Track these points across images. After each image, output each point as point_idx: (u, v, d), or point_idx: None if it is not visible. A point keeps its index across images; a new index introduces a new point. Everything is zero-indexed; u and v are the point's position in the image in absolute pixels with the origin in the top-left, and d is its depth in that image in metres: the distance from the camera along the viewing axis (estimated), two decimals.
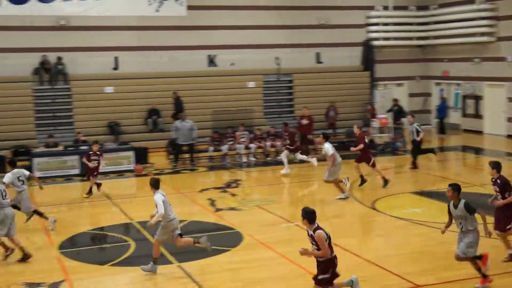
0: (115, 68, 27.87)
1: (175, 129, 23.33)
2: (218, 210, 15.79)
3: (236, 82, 28.76)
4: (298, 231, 13.52)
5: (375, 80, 30.87)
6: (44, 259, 12.04)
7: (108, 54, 27.58)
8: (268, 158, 23.81)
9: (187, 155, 23.41)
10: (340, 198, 16.41)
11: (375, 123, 26.60)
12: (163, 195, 10.97)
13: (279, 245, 12.39)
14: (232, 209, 15.88)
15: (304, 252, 8.54)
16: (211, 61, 29.24)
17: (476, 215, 9.57)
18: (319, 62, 30.82)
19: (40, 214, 14.37)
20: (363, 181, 17.75)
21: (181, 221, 14.45)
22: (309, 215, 8.52)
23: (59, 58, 26.63)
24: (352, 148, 18.05)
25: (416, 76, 32.66)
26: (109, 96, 27.02)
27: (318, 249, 8.45)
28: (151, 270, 10.90)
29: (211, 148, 23.45)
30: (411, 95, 32.59)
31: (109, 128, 25.85)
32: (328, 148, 16.33)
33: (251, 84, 29.07)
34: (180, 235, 11.18)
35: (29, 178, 14.40)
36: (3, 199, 11.86)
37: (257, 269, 11.17)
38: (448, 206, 9.83)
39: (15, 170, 14.05)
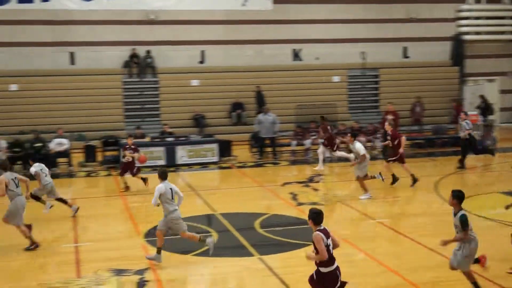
0: (201, 62, 28.33)
1: (257, 122, 23.49)
2: (300, 204, 15.76)
3: (321, 77, 28.63)
4: (381, 228, 13.34)
5: (465, 75, 29.99)
6: (130, 246, 12.39)
7: (195, 48, 28.08)
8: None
9: (269, 149, 23.51)
10: (364, 198, 16.08)
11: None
12: (165, 187, 10.94)
13: (361, 242, 12.23)
14: (314, 203, 15.79)
15: (308, 255, 8.10)
16: (296, 55, 29.23)
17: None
18: (406, 56, 30.24)
19: (38, 199, 14.67)
20: (395, 180, 17.32)
21: (262, 214, 14.63)
22: (314, 215, 8.10)
23: (148, 52, 27.37)
24: (401, 150, 17.26)
25: (508, 72, 31.40)
26: (195, 89, 27.51)
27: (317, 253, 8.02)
28: (209, 245, 11.24)
29: (294, 142, 23.44)
30: (503, 91, 31.35)
31: (194, 121, 26.34)
32: (360, 147, 16.05)
33: (336, 78, 28.87)
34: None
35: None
36: (17, 187, 12.34)
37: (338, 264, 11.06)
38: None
39: (36, 164, 14.58)
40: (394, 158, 17.37)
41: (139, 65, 27.34)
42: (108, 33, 27.27)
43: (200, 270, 11.11)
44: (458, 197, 9.09)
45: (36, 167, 14.52)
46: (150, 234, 13.26)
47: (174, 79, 27.49)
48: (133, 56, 27.26)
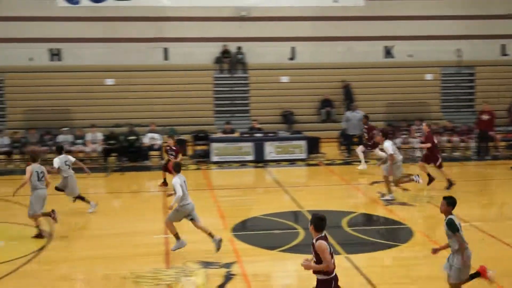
0: (291, 58, 28.35)
1: (345, 119, 23.29)
2: (388, 204, 15.49)
3: (413, 74, 28.03)
4: (472, 231, 12.90)
5: None
6: None
7: (285, 44, 28.12)
8: (444, 154, 22.89)
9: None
10: (385, 200, 15.61)
11: None
12: (181, 180, 11.14)
13: None
14: (403, 204, 15.51)
15: (306, 265, 7.66)
16: (388, 52, 28.73)
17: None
18: (504, 54, 29.12)
19: (82, 199, 14.70)
20: (431, 179, 16.77)
21: (350, 213, 14.48)
22: (316, 221, 7.71)
23: (239, 48, 27.67)
24: (419, 145, 16.91)
25: None
26: (285, 85, 27.55)
27: (318, 262, 7.58)
28: (179, 246, 11.40)
29: None
30: None
31: (283, 117, 26.39)
32: (388, 146, 15.56)
33: (428, 76, 28.18)
34: (192, 219, 11.45)
35: (74, 164, 14.80)
36: (38, 180, 12.67)
37: (426, 266, 10.80)
38: None
39: (62, 156, 14.55)
40: (438, 161, 16.97)
41: (230, 61, 27.71)
42: (200, 30, 27.75)
43: (285, 266, 11.12)
44: (451, 204, 8.69)
45: (61, 160, 14.36)
46: (237, 228, 13.41)
47: (264, 75, 27.66)
48: (224, 52, 27.65)
